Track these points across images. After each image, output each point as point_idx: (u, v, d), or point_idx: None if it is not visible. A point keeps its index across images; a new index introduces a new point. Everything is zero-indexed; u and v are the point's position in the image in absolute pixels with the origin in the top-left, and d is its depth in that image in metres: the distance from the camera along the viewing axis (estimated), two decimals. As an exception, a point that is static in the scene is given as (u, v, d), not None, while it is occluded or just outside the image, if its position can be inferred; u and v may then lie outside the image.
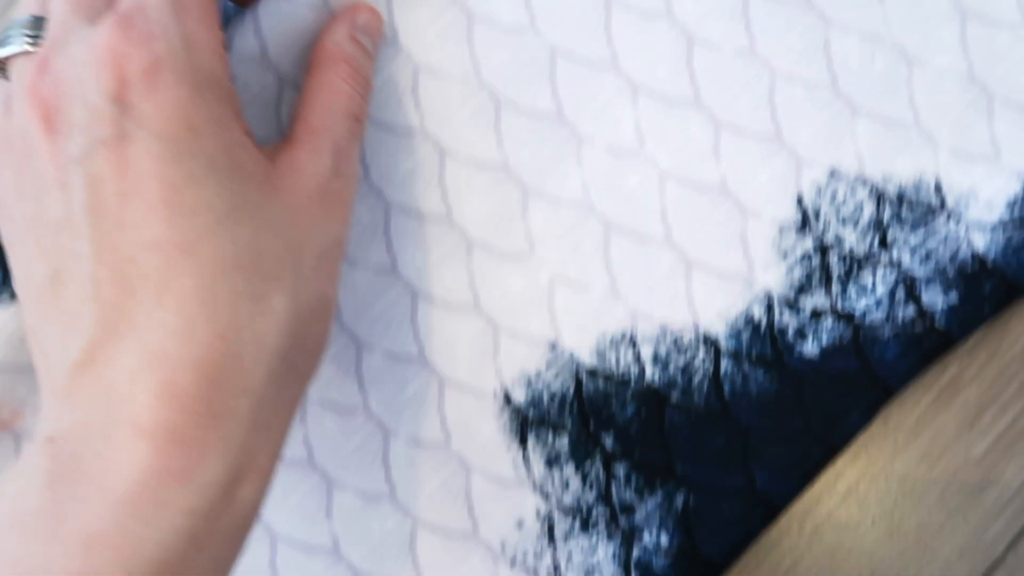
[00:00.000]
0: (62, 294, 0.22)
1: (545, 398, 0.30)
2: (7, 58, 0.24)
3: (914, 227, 0.31)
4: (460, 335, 0.30)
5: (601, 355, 0.30)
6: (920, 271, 0.30)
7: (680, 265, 0.30)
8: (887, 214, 0.31)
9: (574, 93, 0.30)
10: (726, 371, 0.30)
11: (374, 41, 0.28)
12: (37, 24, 0.24)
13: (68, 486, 0.20)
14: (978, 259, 0.30)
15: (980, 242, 0.30)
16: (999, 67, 0.31)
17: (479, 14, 0.30)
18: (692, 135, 0.31)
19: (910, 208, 0.31)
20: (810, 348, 0.30)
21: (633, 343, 0.30)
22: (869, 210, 0.31)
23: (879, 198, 0.31)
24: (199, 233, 0.21)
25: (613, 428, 0.30)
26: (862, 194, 0.31)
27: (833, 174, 0.31)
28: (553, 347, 0.30)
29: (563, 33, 0.30)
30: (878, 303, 0.30)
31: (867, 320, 0.30)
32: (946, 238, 0.30)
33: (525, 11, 0.30)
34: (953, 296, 0.30)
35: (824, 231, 0.31)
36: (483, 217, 0.30)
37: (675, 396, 0.30)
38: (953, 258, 0.30)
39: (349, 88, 0.26)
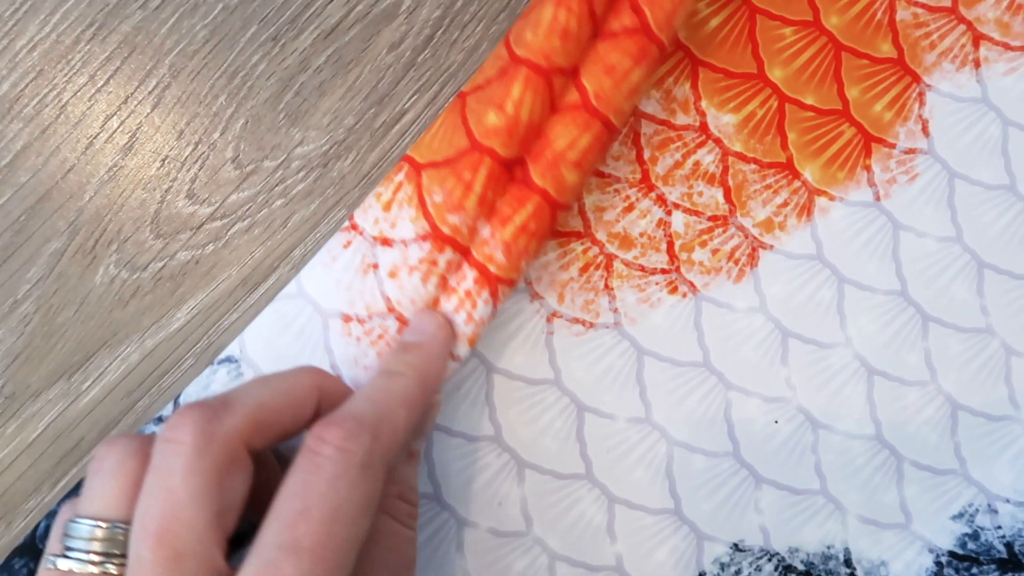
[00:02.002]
0: None
1: None
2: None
3: (820, 610, 0.30)
4: None
5: None
6: (826, 658, 0.29)
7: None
8: (792, 597, 0.30)
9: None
10: None
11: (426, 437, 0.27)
12: (103, 532, 0.21)
13: None
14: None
15: (889, 626, 0.29)
16: (908, 427, 0.30)
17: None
18: (584, 511, 0.30)
19: (817, 588, 0.30)
20: None
21: None
22: (773, 593, 0.30)
23: (786, 571, 0.30)
24: None
25: None
26: (768, 569, 0.30)
27: (736, 548, 0.30)
28: None
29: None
30: None
31: None
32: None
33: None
34: None
35: (726, 618, 0.30)
36: None
37: None
38: (861, 644, 0.29)
39: (406, 531, 0.25)
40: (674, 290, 0.30)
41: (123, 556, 0.21)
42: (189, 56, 0.29)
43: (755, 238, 0.30)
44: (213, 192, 0.29)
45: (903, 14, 0.31)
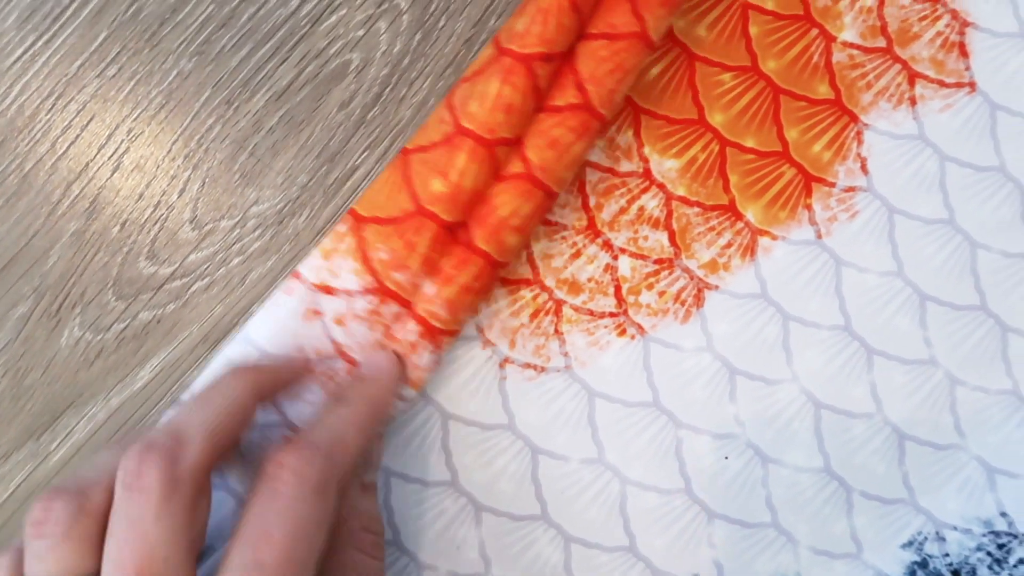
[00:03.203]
0: None
1: None
2: None
3: (773, 642, 0.30)
4: None
5: None
6: None
7: None
8: (745, 631, 0.30)
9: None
10: None
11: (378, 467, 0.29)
12: None
13: None
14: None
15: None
16: (856, 458, 0.31)
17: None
18: (541, 551, 0.30)
19: (768, 623, 0.30)
20: None
21: None
22: (726, 627, 0.30)
23: (740, 603, 0.30)
24: None
25: None
26: (722, 601, 0.30)
27: (692, 582, 0.31)
28: None
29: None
30: None
31: None
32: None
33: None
34: None
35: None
36: None
37: None
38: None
39: (375, 563, 0.26)
40: (623, 332, 0.31)
41: None
42: (146, 121, 0.30)
43: (700, 279, 0.31)
44: (173, 252, 0.30)
45: (839, 56, 0.31)
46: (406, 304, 0.28)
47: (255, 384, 0.25)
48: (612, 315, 0.31)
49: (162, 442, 0.22)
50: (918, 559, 0.30)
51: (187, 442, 0.22)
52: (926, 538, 0.31)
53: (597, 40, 0.28)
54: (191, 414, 0.24)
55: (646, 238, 0.31)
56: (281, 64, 0.30)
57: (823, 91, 0.31)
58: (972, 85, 0.32)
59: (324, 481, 0.23)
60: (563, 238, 0.31)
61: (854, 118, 0.31)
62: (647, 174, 0.31)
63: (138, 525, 0.21)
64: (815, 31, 0.31)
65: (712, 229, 0.31)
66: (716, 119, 0.31)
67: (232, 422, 0.24)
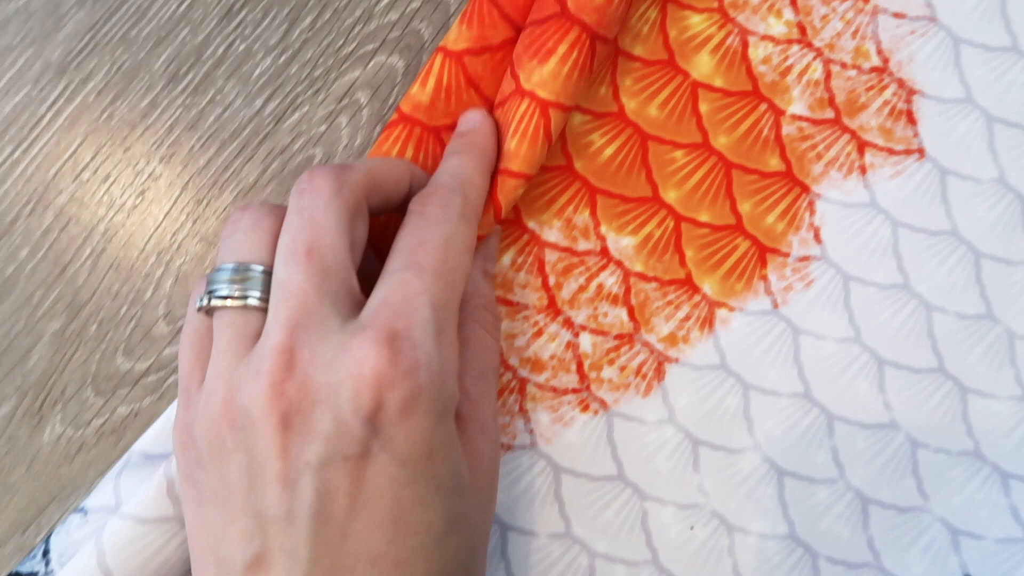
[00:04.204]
0: None
1: None
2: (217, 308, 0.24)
3: None
4: None
5: None
6: None
7: None
8: None
9: None
10: None
11: (496, 259, 0.31)
12: (244, 272, 0.24)
13: None
14: None
15: None
16: (820, 523, 0.31)
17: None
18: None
19: None
20: None
21: None
22: None
23: (711, 671, 0.31)
24: (416, 551, 0.22)
25: None
26: (693, 669, 0.31)
27: (662, 651, 0.31)
28: None
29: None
30: None
31: None
32: None
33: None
34: None
35: None
36: None
37: None
38: None
39: (493, 341, 0.28)
40: (586, 408, 0.32)
41: (264, 295, 0.24)
42: (121, 222, 0.32)
43: (660, 353, 0.32)
44: (148, 348, 0.31)
45: (788, 129, 0.32)
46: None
47: (411, 170, 0.28)
48: (575, 391, 0.32)
49: (331, 165, 0.25)
50: (886, 622, 0.31)
51: (352, 168, 0.25)
52: (893, 601, 0.31)
53: None
54: (359, 162, 0.27)
55: (606, 314, 0.32)
56: (247, 162, 0.32)
57: (774, 164, 0.32)
58: (921, 151, 0.32)
59: (463, 210, 0.26)
60: (525, 318, 0.32)
61: (806, 189, 0.32)
62: (604, 252, 0.32)
63: (310, 211, 0.24)
64: (764, 106, 0.32)
65: (670, 303, 0.32)
66: (670, 196, 0.32)
67: (390, 176, 0.27)
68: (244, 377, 0.23)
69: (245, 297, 0.24)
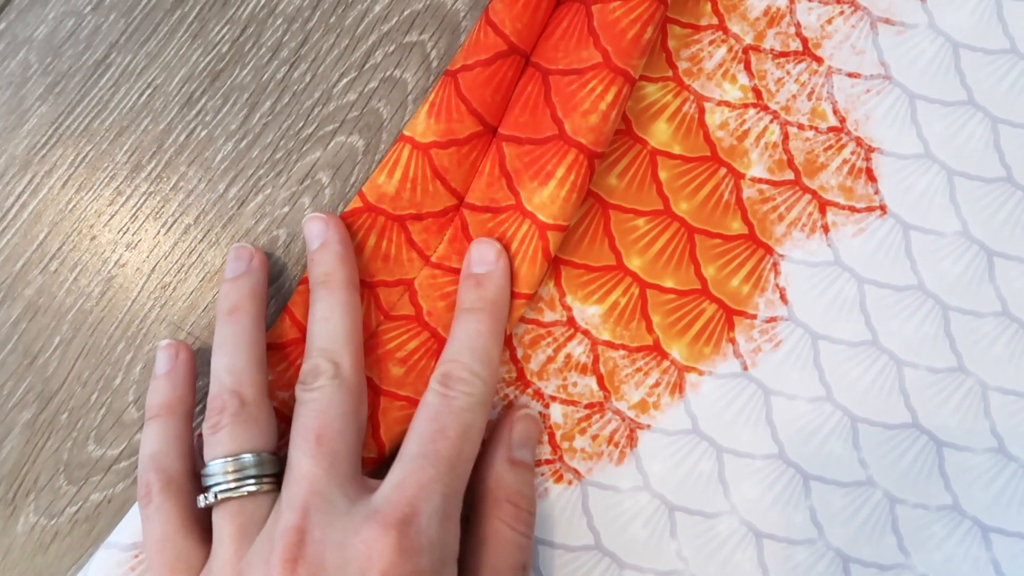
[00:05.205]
0: None
1: None
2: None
3: None
4: None
5: None
6: None
7: None
8: None
9: None
10: None
11: (533, 449, 0.31)
12: (238, 462, 0.26)
13: None
14: None
15: None
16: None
17: None
18: None
19: None
20: None
21: None
22: None
23: None
24: None
25: None
26: None
27: None
28: None
29: None
30: None
31: None
32: None
33: None
34: None
35: None
36: None
37: None
38: None
39: (514, 535, 0.28)
40: (559, 479, 0.31)
41: (262, 479, 0.26)
42: (87, 312, 0.32)
43: (632, 420, 0.32)
44: (119, 434, 0.31)
45: (749, 192, 0.33)
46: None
47: (352, 281, 0.29)
48: (548, 462, 0.32)
49: (323, 360, 0.27)
50: None
51: (337, 353, 0.27)
52: (878, 663, 0.31)
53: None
54: (330, 326, 0.28)
55: (575, 384, 0.32)
56: (212, 247, 0.32)
57: (736, 227, 0.32)
58: (883, 208, 0.33)
59: (484, 397, 0.27)
60: (494, 391, 0.32)
61: (769, 250, 0.32)
62: (571, 322, 0.32)
63: (315, 404, 0.26)
64: (723, 170, 0.33)
65: (639, 370, 0.32)
66: (634, 263, 0.32)
67: (358, 326, 0.28)
68: (254, 561, 0.24)
69: (243, 486, 0.26)
